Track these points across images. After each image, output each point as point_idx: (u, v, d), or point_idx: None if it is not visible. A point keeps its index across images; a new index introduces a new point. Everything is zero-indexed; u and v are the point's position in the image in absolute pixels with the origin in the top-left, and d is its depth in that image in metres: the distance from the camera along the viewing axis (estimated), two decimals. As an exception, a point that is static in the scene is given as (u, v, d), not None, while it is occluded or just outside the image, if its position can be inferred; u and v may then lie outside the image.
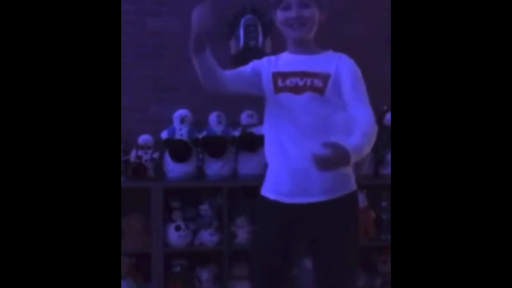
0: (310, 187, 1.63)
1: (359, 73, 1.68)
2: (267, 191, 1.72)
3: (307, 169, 1.54)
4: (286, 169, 1.65)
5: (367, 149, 1.57)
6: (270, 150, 1.72)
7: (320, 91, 1.63)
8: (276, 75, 1.69)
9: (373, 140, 1.60)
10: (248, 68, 1.75)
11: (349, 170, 1.68)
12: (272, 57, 1.78)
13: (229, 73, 1.69)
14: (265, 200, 1.71)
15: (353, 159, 1.48)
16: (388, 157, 2.90)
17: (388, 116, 2.96)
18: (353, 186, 1.70)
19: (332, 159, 1.44)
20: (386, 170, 2.91)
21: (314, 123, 1.63)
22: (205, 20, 1.52)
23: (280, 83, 1.67)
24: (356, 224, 1.75)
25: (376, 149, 2.95)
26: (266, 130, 1.75)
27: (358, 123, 1.59)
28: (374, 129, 1.61)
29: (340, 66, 1.66)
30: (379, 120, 3.01)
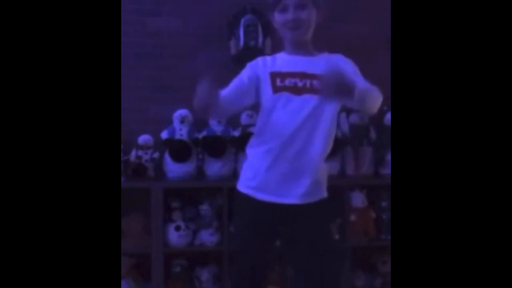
0: (293, 189, 1.64)
1: (357, 69, 1.69)
2: (246, 187, 1.72)
3: (294, 172, 1.62)
4: (274, 170, 1.65)
5: (370, 99, 1.53)
6: (257, 147, 1.72)
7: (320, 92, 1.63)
8: (274, 75, 1.68)
9: (376, 100, 1.56)
10: (244, 78, 1.73)
11: (324, 178, 1.71)
12: (268, 57, 1.78)
13: (227, 98, 1.68)
14: (245, 196, 1.72)
15: (356, 94, 1.44)
16: (388, 157, 2.90)
17: (388, 116, 2.96)
18: (325, 193, 1.71)
19: (341, 80, 1.41)
20: (386, 170, 2.91)
21: (313, 124, 1.63)
22: (209, 95, 1.58)
23: (279, 82, 1.67)
24: (329, 229, 1.78)
25: (376, 149, 2.95)
26: (258, 127, 1.74)
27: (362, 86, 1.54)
28: (379, 94, 1.57)
29: (340, 65, 1.66)
30: (379, 120, 3.02)
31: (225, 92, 1.68)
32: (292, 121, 1.63)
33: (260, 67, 1.74)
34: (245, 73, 1.74)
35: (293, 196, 1.65)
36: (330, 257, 1.69)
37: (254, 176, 1.70)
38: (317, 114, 1.63)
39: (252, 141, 1.76)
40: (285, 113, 1.64)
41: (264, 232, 1.70)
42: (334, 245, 1.80)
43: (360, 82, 1.53)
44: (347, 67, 1.65)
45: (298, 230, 1.66)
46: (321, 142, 1.65)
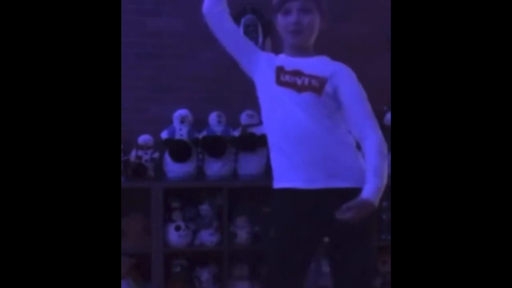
0: (328, 172, 1.63)
1: (359, 85, 1.68)
2: (281, 182, 1.71)
3: (315, 158, 1.62)
4: (298, 158, 1.64)
5: (385, 182, 1.58)
6: (275, 142, 1.71)
7: (318, 91, 1.63)
8: (279, 70, 1.70)
9: (386, 163, 1.61)
10: (252, 45, 1.77)
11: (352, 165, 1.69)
12: (274, 55, 1.79)
13: (231, 22, 1.74)
14: (280, 191, 1.70)
15: (377, 202, 1.53)
16: (388, 157, 2.90)
17: (388, 116, 2.96)
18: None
19: (358, 215, 1.50)
20: (386, 170, 2.91)
21: (313, 122, 1.63)
22: None
23: (282, 77, 1.68)
24: (374, 222, 1.75)
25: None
26: (265, 125, 1.74)
27: (370, 149, 1.60)
28: (385, 153, 1.62)
29: (338, 74, 1.66)
30: (379, 120, 3.01)
31: (234, 26, 1.76)
32: (295, 118, 1.63)
33: (264, 57, 1.75)
34: (258, 50, 1.77)
35: (335, 179, 1.63)
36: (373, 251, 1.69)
37: (290, 170, 1.68)
38: (317, 112, 1.64)
39: (270, 140, 1.75)
40: (289, 109, 1.64)
41: (309, 222, 1.66)
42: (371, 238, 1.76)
43: (370, 174, 1.57)
44: (350, 82, 1.65)
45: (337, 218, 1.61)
46: (323, 139, 1.65)
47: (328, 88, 1.64)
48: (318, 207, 1.64)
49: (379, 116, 2.98)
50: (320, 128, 1.64)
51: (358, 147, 1.70)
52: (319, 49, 1.77)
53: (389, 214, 2.85)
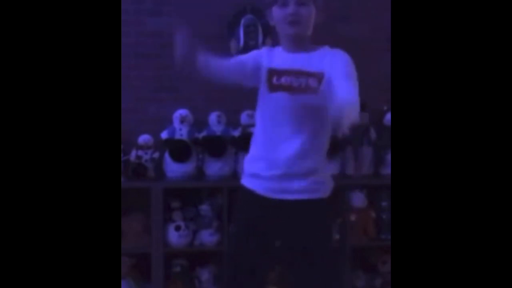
0: (292, 185, 1.64)
1: (351, 64, 1.65)
2: (251, 183, 1.72)
3: (293, 169, 1.62)
4: (274, 166, 1.65)
5: (347, 118, 1.43)
6: (259, 143, 1.72)
7: (315, 91, 1.63)
8: (272, 72, 1.68)
9: (354, 113, 1.46)
10: (249, 60, 1.75)
11: (327, 177, 1.71)
12: (269, 50, 1.78)
13: (230, 64, 1.73)
14: (248, 191, 1.72)
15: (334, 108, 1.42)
16: (388, 157, 2.90)
17: (388, 116, 2.96)
18: (328, 192, 1.70)
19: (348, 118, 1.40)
20: (386, 170, 2.91)
21: (308, 123, 1.63)
22: (185, 43, 1.61)
23: (275, 80, 1.67)
24: (329, 229, 1.76)
25: (376, 149, 2.95)
26: (259, 125, 1.74)
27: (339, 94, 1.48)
28: (356, 103, 1.47)
29: (333, 60, 1.65)
30: (379, 120, 3.02)
31: (229, 61, 1.74)
32: (287, 121, 1.63)
33: (264, 58, 1.74)
34: (252, 57, 1.77)
35: (292, 192, 1.64)
36: (328, 258, 1.68)
37: (256, 173, 1.70)
38: (312, 114, 1.63)
39: (255, 140, 1.76)
40: (281, 112, 1.64)
41: (264, 230, 1.69)
42: (333, 245, 1.77)
43: (342, 89, 1.47)
44: (342, 64, 1.64)
45: (296, 228, 1.65)
46: (316, 141, 1.65)
47: (324, 84, 1.63)
48: (277, 215, 1.66)
49: (379, 116, 3.00)
50: (303, 135, 1.63)
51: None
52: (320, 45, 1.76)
53: (389, 214, 2.85)
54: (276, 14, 1.68)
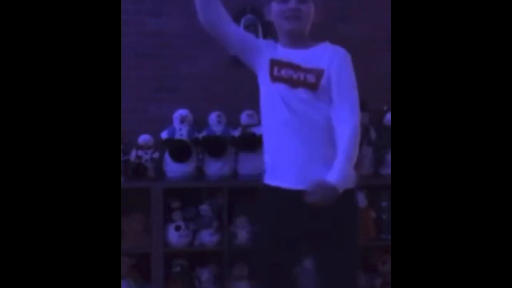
0: (313, 175, 1.59)
1: (350, 69, 1.66)
2: (271, 179, 1.71)
3: (308, 158, 1.61)
4: (289, 158, 1.64)
5: (352, 167, 1.59)
6: (270, 139, 1.71)
7: (314, 87, 1.63)
8: (273, 63, 1.68)
9: (357, 151, 1.60)
10: (252, 37, 1.78)
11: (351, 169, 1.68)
12: (271, 42, 1.78)
13: (233, 25, 1.75)
14: (269, 187, 1.70)
15: (341, 188, 1.52)
16: (388, 157, 2.90)
17: (388, 116, 2.96)
18: (353, 183, 1.68)
19: (320, 198, 1.50)
20: (386, 170, 2.91)
21: (306, 119, 1.63)
22: None
23: (276, 72, 1.67)
24: (357, 220, 1.75)
25: (376, 149, 2.95)
26: (264, 120, 1.73)
27: (342, 135, 1.58)
28: (358, 140, 1.61)
29: (334, 60, 1.65)
30: (379, 120, 3.02)
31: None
32: (289, 114, 1.63)
33: (265, 48, 1.74)
34: (254, 38, 1.78)
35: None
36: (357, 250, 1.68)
37: (276, 169, 1.69)
38: (311, 109, 1.63)
39: (264, 136, 1.75)
40: (282, 105, 1.64)
41: (292, 223, 1.65)
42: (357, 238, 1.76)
43: (338, 160, 1.56)
44: (340, 66, 1.65)
45: (322, 218, 1.61)
46: (320, 135, 1.64)
47: (323, 81, 1.64)
48: (305, 206, 1.64)
49: (379, 116, 3.00)
50: (310, 126, 1.63)
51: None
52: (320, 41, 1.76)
53: (389, 214, 2.85)
54: (276, 9, 1.68)
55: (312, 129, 1.63)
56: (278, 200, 1.68)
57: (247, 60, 1.75)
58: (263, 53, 1.72)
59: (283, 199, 1.66)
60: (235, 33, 1.75)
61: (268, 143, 1.72)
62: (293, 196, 1.62)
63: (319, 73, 1.63)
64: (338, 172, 1.54)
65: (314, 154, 1.63)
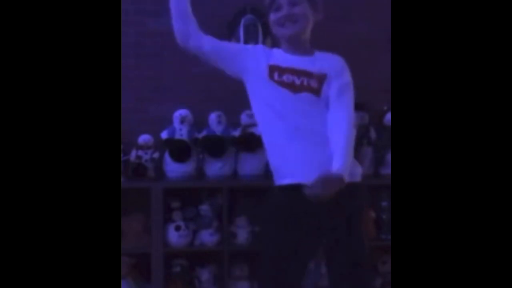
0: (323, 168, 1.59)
1: (349, 75, 1.69)
2: (282, 178, 1.68)
3: (313, 155, 1.61)
4: (295, 157, 1.63)
5: (352, 156, 1.61)
6: (273, 142, 1.70)
7: (317, 92, 1.63)
8: (273, 68, 1.68)
9: (353, 142, 1.63)
10: (236, 46, 1.77)
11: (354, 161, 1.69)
12: (267, 49, 1.78)
13: (211, 38, 1.75)
14: (282, 187, 1.68)
15: (345, 176, 1.54)
16: (388, 157, 2.90)
17: (388, 116, 2.96)
18: (359, 176, 1.69)
19: (325, 189, 1.51)
20: (386, 170, 2.91)
21: (310, 123, 1.63)
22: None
23: (276, 77, 1.67)
24: (363, 217, 1.76)
25: (376, 149, 2.95)
26: (264, 124, 1.73)
27: (339, 131, 1.60)
28: (354, 139, 1.63)
29: (334, 66, 1.66)
30: (379, 120, 3.02)
31: (221, 42, 1.77)
32: (290, 119, 1.63)
33: (259, 54, 1.73)
34: (240, 46, 1.78)
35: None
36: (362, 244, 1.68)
37: (285, 168, 1.68)
38: (314, 113, 1.63)
39: (265, 139, 1.74)
40: (283, 111, 1.64)
41: (303, 220, 1.64)
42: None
43: (338, 153, 1.58)
44: (339, 75, 1.65)
45: (331, 213, 1.61)
46: (320, 139, 1.64)
47: (325, 87, 1.64)
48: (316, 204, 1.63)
49: (379, 116, 3.00)
50: (314, 126, 1.63)
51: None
52: (318, 48, 1.76)
53: (389, 214, 2.85)
54: (272, 19, 1.70)
55: (314, 133, 1.63)
56: (293, 197, 1.63)
57: (228, 68, 1.74)
58: (257, 59, 1.71)
59: (299, 195, 1.61)
60: (217, 50, 1.75)
61: (271, 146, 1.71)
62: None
63: (321, 78, 1.64)
64: (341, 162, 1.54)
65: (318, 155, 1.62)
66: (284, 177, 1.67)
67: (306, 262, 1.73)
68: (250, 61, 1.71)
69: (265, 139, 1.73)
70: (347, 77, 1.69)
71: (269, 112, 1.69)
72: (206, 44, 1.73)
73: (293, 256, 1.65)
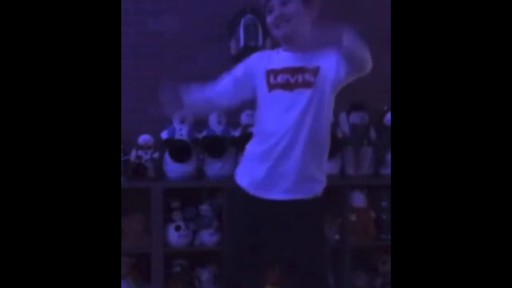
0: (285, 184, 1.63)
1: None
2: (244, 182, 1.74)
3: (290, 169, 1.61)
4: (270, 167, 1.65)
5: (359, 49, 1.65)
6: (256, 144, 1.73)
7: (311, 85, 1.63)
8: (269, 73, 1.70)
9: (364, 55, 1.69)
10: (238, 72, 1.78)
11: (321, 176, 1.69)
12: (266, 53, 1.80)
13: (218, 89, 1.80)
14: (241, 190, 1.73)
15: (345, 39, 1.55)
16: (388, 157, 2.90)
17: (388, 116, 2.96)
18: (321, 191, 1.69)
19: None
20: (386, 170, 2.91)
21: (306, 119, 1.63)
22: (173, 102, 1.84)
23: (272, 80, 1.68)
24: (323, 228, 1.75)
25: (376, 149, 2.95)
26: (256, 125, 1.76)
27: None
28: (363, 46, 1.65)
29: (330, 58, 1.66)
30: (379, 120, 3.02)
31: (218, 86, 1.80)
32: (286, 118, 1.63)
33: (257, 63, 1.75)
34: (241, 68, 1.78)
35: (279, 191, 1.64)
36: (321, 257, 1.67)
37: (248, 173, 1.72)
38: (311, 108, 1.63)
39: (252, 139, 1.77)
40: (279, 110, 1.65)
41: (257, 229, 1.68)
42: (328, 244, 1.77)
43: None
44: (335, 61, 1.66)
45: (287, 227, 1.64)
46: (315, 137, 1.64)
47: (321, 77, 1.64)
48: (267, 214, 1.66)
49: (379, 116, 3.00)
50: (309, 130, 1.63)
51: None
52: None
53: (389, 214, 2.85)
54: (268, 22, 1.72)
55: (310, 135, 1.63)
56: (247, 205, 1.71)
57: (251, 92, 1.77)
58: (258, 66, 1.74)
59: (254, 206, 1.68)
60: (228, 94, 1.81)
61: (255, 148, 1.73)
62: (263, 204, 1.66)
63: (315, 71, 1.64)
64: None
65: (296, 167, 1.62)
66: (243, 179, 1.75)
67: (261, 268, 1.79)
68: (254, 79, 1.74)
69: (253, 138, 1.77)
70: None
71: (267, 115, 1.70)
72: (224, 101, 1.84)
73: (249, 259, 1.70)
